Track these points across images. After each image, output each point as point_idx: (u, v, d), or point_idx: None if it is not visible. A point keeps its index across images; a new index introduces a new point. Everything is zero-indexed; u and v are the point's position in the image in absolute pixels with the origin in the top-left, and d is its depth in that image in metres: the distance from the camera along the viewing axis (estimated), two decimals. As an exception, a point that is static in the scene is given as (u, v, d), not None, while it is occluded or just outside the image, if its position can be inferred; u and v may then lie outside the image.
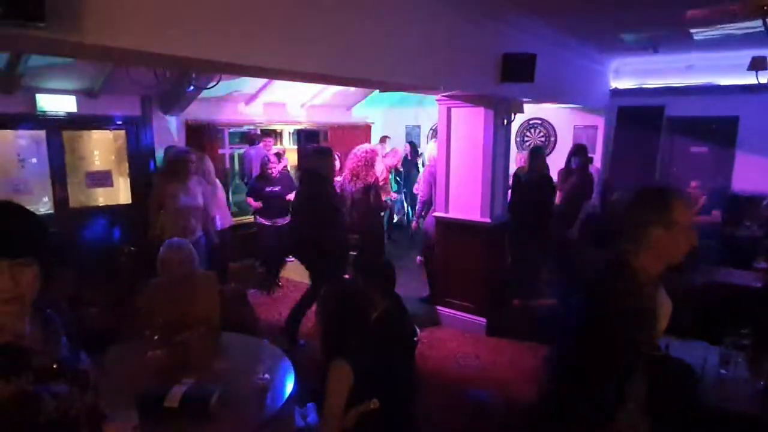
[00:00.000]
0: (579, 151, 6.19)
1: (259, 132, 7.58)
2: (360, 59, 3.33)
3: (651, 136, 7.67)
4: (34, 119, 5.29)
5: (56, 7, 1.59)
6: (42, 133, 5.44)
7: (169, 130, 6.54)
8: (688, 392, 2.05)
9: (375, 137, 9.28)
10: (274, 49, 2.61)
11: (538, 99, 6.00)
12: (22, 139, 5.36)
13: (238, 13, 2.39)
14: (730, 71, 6.81)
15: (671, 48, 6.30)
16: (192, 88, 5.40)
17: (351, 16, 3.15)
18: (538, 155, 6.13)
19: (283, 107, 7.86)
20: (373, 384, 2.19)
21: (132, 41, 1.95)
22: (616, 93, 7.92)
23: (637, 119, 7.74)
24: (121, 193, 6.52)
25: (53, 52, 2.58)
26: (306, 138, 8.87)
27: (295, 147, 8.72)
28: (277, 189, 6.35)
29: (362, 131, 9.19)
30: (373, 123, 9.58)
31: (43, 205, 5.65)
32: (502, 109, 5.21)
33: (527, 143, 8.56)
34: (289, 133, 8.62)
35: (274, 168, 6.37)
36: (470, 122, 5.22)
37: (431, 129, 9.51)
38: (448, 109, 5.35)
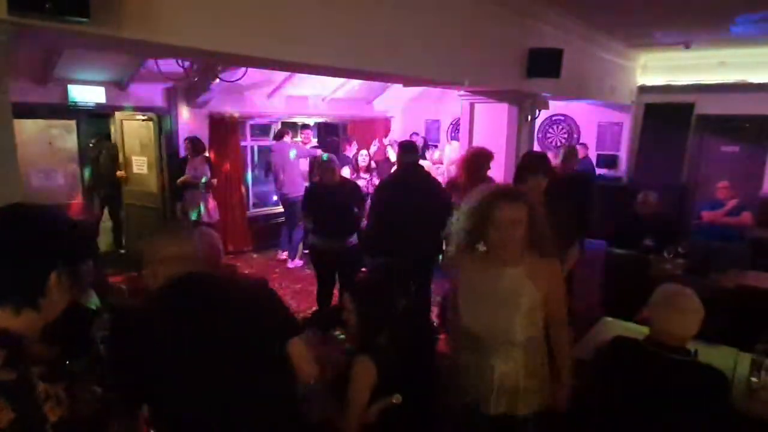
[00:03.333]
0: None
1: (279, 125, 7.59)
2: (385, 54, 3.33)
3: (679, 134, 7.50)
4: (66, 109, 5.40)
5: (98, 4, 1.63)
6: (72, 123, 5.55)
7: (193, 122, 6.61)
8: (719, 399, 2.02)
9: (395, 131, 9.27)
10: (304, 44, 2.63)
11: (564, 95, 5.93)
12: (53, 128, 5.48)
13: (273, 10, 2.41)
14: (763, 68, 6.65)
15: (703, 44, 6.16)
16: (218, 80, 5.44)
17: (376, 12, 3.15)
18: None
19: (304, 100, 7.89)
20: (395, 381, 2.21)
21: (168, 36, 1.98)
22: (644, 89, 7.77)
23: (665, 117, 7.57)
24: (147, 181, 6.64)
25: (94, 46, 2.63)
26: (326, 131, 8.91)
27: (315, 140, 8.75)
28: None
29: (382, 125, 9.17)
30: (392, 117, 9.55)
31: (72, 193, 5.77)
32: (526, 106, 5.16)
33: (549, 140, 8.47)
34: (310, 126, 8.66)
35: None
36: (493, 118, 5.18)
37: (451, 124, 9.45)
38: (471, 105, 5.31)
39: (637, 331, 2.73)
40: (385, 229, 4.18)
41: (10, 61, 1.60)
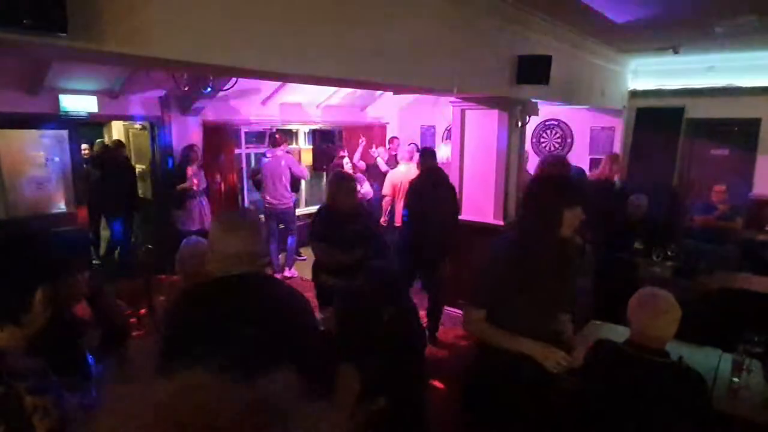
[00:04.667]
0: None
1: (275, 132, 7.61)
2: (373, 62, 3.35)
3: (670, 137, 7.56)
4: (57, 119, 5.43)
5: (77, 18, 1.66)
6: (64, 133, 5.57)
7: (187, 130, 6.64)
8: (696, 400, 2.04)
9: (389, 137, 9.31)
10: (289, 54, 2.65)
11: (554, 100, 5.97)
12: (45, 138, 5.50)
13: (253, 20, 2.43)
14: (752, 72, 6.71)
15: (692, 49, 6.21)
16: (209, 89, 5.48)
17: (364, 21, 3.18)
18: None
19: (298, 107, 7.93)
20: (381, 387, 2.22)
21: (149, 49, 2.01)
22: (635, 94, 7.82)
23: (656, 121, 7.63)
24: (141, 190, 6.68)
25: (74, 59, 2.66)
26: (321, 138, 8.94)
27: (310, 147, 8.79)
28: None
29: (377, 131, 9.22)
30: (387, 123, 9.60)
31: (65, 203, 5.79)
32: (516, 112, 5.20)
33: (543, 145, 8.51)
34: (305, 132, 8.70)
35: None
36: (484, 124, 5.22)
37: (446, 129, 9.49)
38: (462, 111, 5.35)
39: (623, 334, 2.75)
40: (419, 228, 4.66)
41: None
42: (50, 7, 1.52)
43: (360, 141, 7.82)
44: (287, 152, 6.97)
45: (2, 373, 1.12)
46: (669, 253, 4.63)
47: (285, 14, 2.62)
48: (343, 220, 3.64)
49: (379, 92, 8.27)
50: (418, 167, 5.25)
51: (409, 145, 7.51)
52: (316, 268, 3.88)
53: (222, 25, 2.30)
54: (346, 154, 7.57)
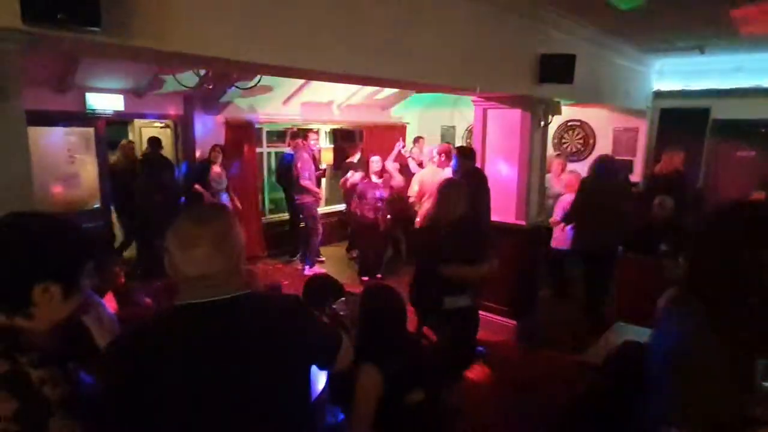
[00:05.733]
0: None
1: (296, 131, 7.62)
2: (397, 61, 3.36)
3: (695, 139, 7.41)
4: (84, 117, 5.53)
5: (109, 14, 1.68)
6: (91, 131, 5.68)
7: (210, 128, 6.72)
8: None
9: (410, 137, 9.29)
10: (317, 52, 2.67)
11: (577, 100, 5.90)
12: (72, 135, 5.61)
13: (281, 18, 2.45)
14: (781, 73, 6.56)
15: (718, 49, 6.09)
16: (232, 87, 5.53)
17: (388, 19, 3.18)
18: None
19: (319, 106, 7.96)
20: (404, 387, 2.20)
21: (178, 44, 2.03)
22: (659, 94, 7.70)
23: (681, 122, 7.49)
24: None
25: (105, 54, 2.70)
26: (342, 137, 8.98)
27: (331, 146, 8.83)
28: None
29: (398, 131, 9.21)
30: (408, 123, 9.59)
31: (91, 200, 5.89)
32: (539, 111, 5.14)
33: (565, 145, 8.42)
34: (326, 132, 8.74)
35: None
36: (506, 124, 5.17)
37: (466, 130, 9.45)
38: (484, 111, 5.31)
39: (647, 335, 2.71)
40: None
41: (24, 70, 1.66)
42: (84, 3, 1.55)
43: (397, 144, 7.44)
44: (299, 149, 6.88)
45: (8, 348, 1.13)
46: (695, 255, 4.53)
47: (312, 13, 2.63)
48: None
49: (405, 92, 8.22)
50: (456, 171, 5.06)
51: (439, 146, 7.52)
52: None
53: (250, 23, 2.32)
54: (357, 156, 7.53)
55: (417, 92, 6.91)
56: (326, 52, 2.76)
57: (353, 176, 6.99)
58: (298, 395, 1.42)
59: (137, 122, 7.09)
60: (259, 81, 5.16)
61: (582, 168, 6.43)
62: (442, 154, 6.02)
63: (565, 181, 6.19)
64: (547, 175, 6.45)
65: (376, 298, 2.35)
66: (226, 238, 1.30)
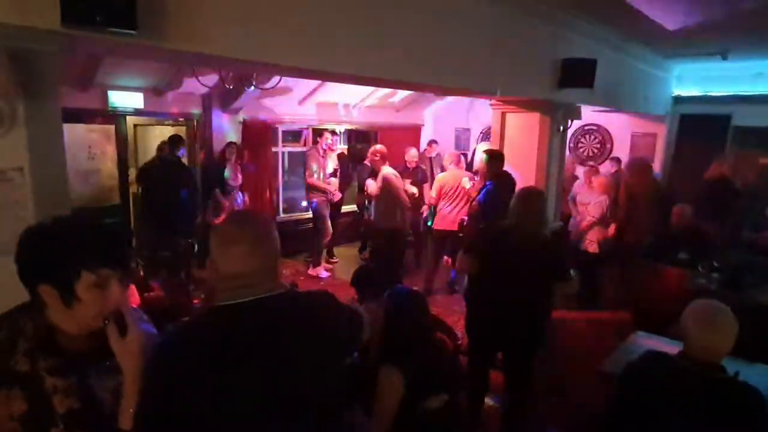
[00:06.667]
0: None
1: (310, 132, 7.59)
2: (420, 64, 3.36)
3: (716, 146, 7.32)
4: (106, 114, 5.59)
5: (145, 17, 1.70)
6: (111, 128, 5.74)
7: (227, 127, 6.76)
8: (757, 418, 1.96)
9: (424, 139, 9.28)
10: (343, 55, 2.68)
11: (597, 105, 5.86)
12: (93, 132, 5.67)
13: (312, 23, 2.46)
14: (804, 79, 6.47)
15: (740, 54, 6.02)
16: (252, 87, 5.56)
17: (411, 23, 3.18)
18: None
19: (334, 107, 7.97)
20: (424, 388, 2.20)
21: (208, 46, 2.05)
22: (679, 100, 7.62)
23: (701, 128, 7.41)
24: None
25: (140, 56, 2.73)
26: (356, 138, 8.98)
27: (345, 146, 8.83)
28: None
29: (412, 133, 9.20)
30: (422, 125, 9.58)
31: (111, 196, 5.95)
32: (558, 115, 5.11)
33: (581, 149, 8.36)
34: (340, 132, 8.74)
35: None
36: (525, 128, 5.15)
37: (481, 132, 9.42)
38: (503, 114, 5.29)
39: (670, 345, 2.68)
40: None
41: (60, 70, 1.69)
42: (122, 6, 1.57)
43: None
44: (311, 150, 6.87)
45: (33, 350, 1.15)
46: (715, 264, 4.48)
47: (339, 17, 2.64)
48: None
49: (420, 93, 8.20)
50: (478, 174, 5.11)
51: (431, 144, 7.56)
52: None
53: (277, 27, 2.33)
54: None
55: (437, 95, 6.89)
56: (351, 56, 2.78)
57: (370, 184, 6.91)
58: (336, 388, 1.45)
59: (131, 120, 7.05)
60: (279, 81, 5.18)
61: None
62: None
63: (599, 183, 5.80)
64: (577, 182, 6.42)
65: (400, 302, 2.35)
66: (264, 239, 1.36)
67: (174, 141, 5.80)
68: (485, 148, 5.67)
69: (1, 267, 1.26)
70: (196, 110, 6.48)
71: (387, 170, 5.81)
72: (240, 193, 6.53)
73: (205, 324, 1.33)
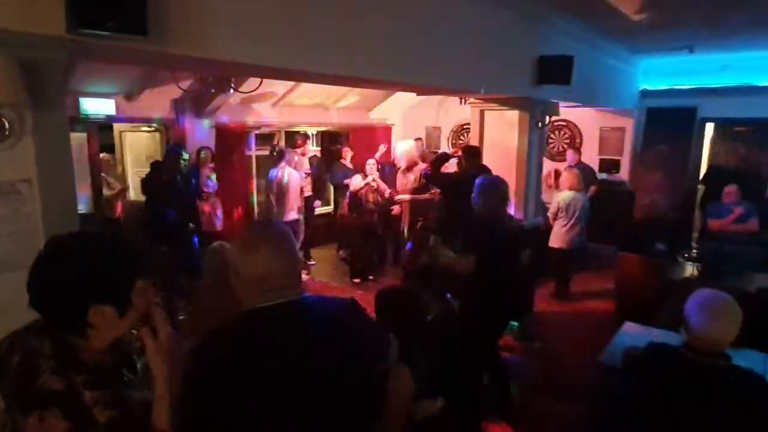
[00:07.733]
0: None
1: (278, 145, 7.42)
2: (400, 63, 3.35)
3: (682, 138, 7.57)
4: (78, 122, 5.36)
5: (155, 23, 1.65)
6: (84, 136, 5.53)
7: (200, 132, 6.59)
8: (765, 405, 2.02)
9: (395, 139, 9.26)
10: (341, 57, 2.65)
11: (573, 101, 5.98)
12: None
13: (306, 25, 2.44)
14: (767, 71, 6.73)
15: (706, 48, 6.23)
16: (231, 91, 5.45)
17: (390, 20, 3.16)
18: None
19: (306, 110, 7.90)
20: (435, 386, 2.20)
21: (213, 52, 2.00)
22: (646, 94, 7.84)
23: (668, 121, 7.62)
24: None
25: (149, 62, 2.65)
26: (329, 140, 8.93)
27: (318, 149, 8.76)
28: None
29: (383, 132, 9.18)
30: (393, 125, 9.56)
31: (83, 205, 5.72)
32: (537, 112, 5.20)
33: (551, 145, 8.49)
34: (312, 134, 8.66)
35: None
36: (504, 125, 5.22)
37: (452, 131, 9.50)
38: (482, 112, 5.34)
39: (658, 336, 2.76)
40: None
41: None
42: (133, 12, 1.52)
43: (380, 148, 7.64)
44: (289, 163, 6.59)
45: (65, 366, 1.15)
46: (693, 254, 4.64)
47: (324, 20, 2.61)
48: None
49: (388, 93, 8.21)
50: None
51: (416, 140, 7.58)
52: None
53: (278, 31, 2.29)
54: (349, 155, 7.54)
55: (418, 94, 6.89)
56: (350, 58, 2.75)
57: (355, 181, 6.86)
58: (365, 393, 1.45)
59: (119, 126, 6.87)
60: (260, 84, 5.08)
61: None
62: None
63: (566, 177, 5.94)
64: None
65: (390, 301, 2.36)
66: (287, 241, 1.39)
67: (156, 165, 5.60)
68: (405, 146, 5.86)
69: (4, 283, 1.22)
70: (168, 115, 6.30)
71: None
72: (215, 200, 6.36)
73: (242, 327, 1.33)
